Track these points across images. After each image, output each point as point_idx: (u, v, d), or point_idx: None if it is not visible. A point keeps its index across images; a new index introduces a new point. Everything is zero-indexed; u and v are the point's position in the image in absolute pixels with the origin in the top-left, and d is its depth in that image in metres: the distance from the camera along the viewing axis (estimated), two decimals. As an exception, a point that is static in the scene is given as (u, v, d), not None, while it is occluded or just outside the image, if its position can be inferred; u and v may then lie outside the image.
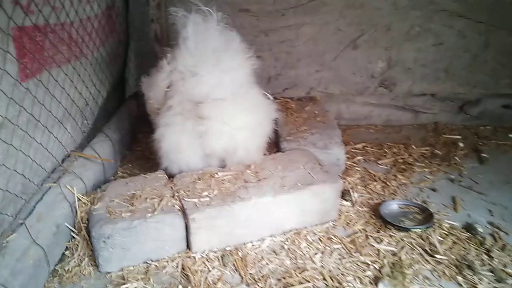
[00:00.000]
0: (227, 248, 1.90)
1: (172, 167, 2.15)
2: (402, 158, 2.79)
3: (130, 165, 2.67)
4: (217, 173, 2.11)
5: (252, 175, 2.11)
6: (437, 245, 1.90)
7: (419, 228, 2.01)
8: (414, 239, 1.97)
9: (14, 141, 1.48)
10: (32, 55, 1.53)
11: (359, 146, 2.95)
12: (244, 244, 1.93)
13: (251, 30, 2.94)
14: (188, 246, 1.87)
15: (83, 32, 1.99)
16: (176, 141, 2.07)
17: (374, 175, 2.59)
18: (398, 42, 3.00)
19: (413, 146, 2.93)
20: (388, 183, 2.50)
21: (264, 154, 2.39)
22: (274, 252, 1.89)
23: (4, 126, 1.40)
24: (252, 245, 1.93)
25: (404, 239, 1.97)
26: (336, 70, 3.08)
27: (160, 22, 2.85)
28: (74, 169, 2.02)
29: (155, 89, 2.16)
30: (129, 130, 2.77)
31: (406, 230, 2.01)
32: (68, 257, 1.81)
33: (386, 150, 2.89)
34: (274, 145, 2.69)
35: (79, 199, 1.90)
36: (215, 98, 2.05)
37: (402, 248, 1.90)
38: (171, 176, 2.14)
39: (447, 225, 2.06)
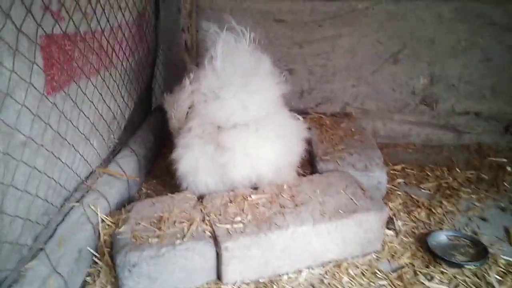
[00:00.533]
0: (261, 280, 1.72)
1: (191, 188, 2.04)
2: (446, 183, 2.58)
3: (154, 181, 2.53)
4: (250, 196, 1.95)
5: (288, 199, 1.94)
6: (496, 285, 1.69)
7: (474, 265, 1.79)
8: (468, 277, 1.76)
9: (37, 161, 1.34)
10: (61, 65, 1.40)
11: (398, 167, 2.75)
12: (280, 276, 1.75)
13: (285, 41, 2.80)
14: (219, 276, 1.70)
15: (114, 41, 1.87)
16: (194, 164, 1.97)
17: (417, 201, 2.39)
18: (442, 57, 2.81)
19: (457, 169, 2.71)
20: (434, 210, 2.29)
21: (299, 174, 2.22)
22: (312, 286, 1.71)
23: (28, 145, 1.27)
24: (288, 278, 1.76)
25: (458, 276, 1.76)
26: (374, 85, 2.89)
27: (191, 32, 2.72)
28: (98, 187, 1.89)
29: (177, 108, 2.07)
30: (154, 144, 2.64)
31: (459, 266, 1.80)
32: (90, 283, 1.66)
33: (428, 173, 2.68)
34: (309, 164, 2.52)
35: (102, 221, 1.76)
36: (238, 123, 1.94)
37: (457, 287, 1.69)
38: (200, 197, 1.98)
39: (503, 261, 1.85)
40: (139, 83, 2.40)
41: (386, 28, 2.75)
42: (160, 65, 2.79)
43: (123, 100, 2.15)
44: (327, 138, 2.61)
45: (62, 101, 1.48)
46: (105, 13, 1.71)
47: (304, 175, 2.35)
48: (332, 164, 2.32)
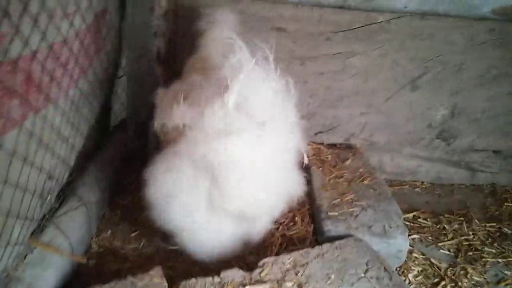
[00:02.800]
0: None
1: (166, 222, 1.55)
2: (466, 239, 2.18)
3: (109, 232, 1.94)
4: (242, 287, 1.43)
5: (294, 290, 1.43)
6: None
7: None
8: None
9: None
10: None
11: (409, 216, 2.31)
12: None
13: (284, 55, 2.25)
14: None
15: (54, 63, 1.23)
16: (176, 186, 1.52)
17: (439, 268, 1.97)
18: (468, 86, 2.36)
19: (476, 221, 2.31)
20: (460, 283, 1.87)
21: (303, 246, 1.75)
22: None
23: None
24: None
25: None
26: (386, 115, 2.41)
27: (167, 37, 2.10)
28: (26, 272, 1.30)
29: (169, 116, 1.58)
30: (112, 179, 2.05)
31: None
32: None
33: (445, 226, 2.26)
34: (309, 216, 2.02)
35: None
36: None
37: None
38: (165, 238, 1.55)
39: None
40: (93, 106, 1.77)
41: (408, 48, 2.26)
42: (123, 78, 2.16)
43: (71, 135, 1.52)
44: (331, 183, 2.12)
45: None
46: (36, 25, 1.07)
47: (315, 243, 1.85)
48: (342, 225, 1.83)
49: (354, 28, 2.22)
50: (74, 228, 1.62)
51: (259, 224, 1.74)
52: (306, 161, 1.90)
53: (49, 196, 1.38)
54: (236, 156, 1.46)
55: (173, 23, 2.12)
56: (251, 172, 1.50)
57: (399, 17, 2.21)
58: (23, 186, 1.15)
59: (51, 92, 1.22)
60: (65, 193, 1.69)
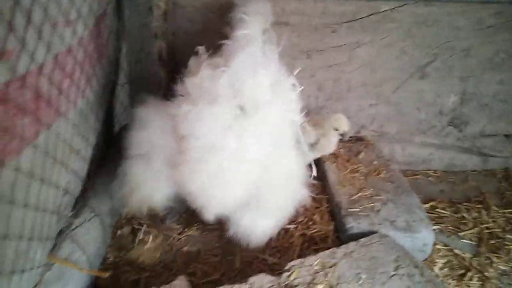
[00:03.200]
0: None
1: None
2: (487, 227, 2.13)
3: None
4: (274, 292, 1.36)
5: (327, 292, 1.37)
6: None
7: None
8: None
9: None
10: None
11: (427, 206, 2.26)
12: None
13: (289, 50, 2.18)
14: None
15: (61, 75, 1.15)
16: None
17: (463, 259, 1.92)
18: (477, 71, 2.31)
19: (494, 207, 2.26)
20: (486, 273, 1.83)
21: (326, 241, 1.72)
22: None
23: None
24: None
25: None
26: (396, 105, 2.36)
27: (167, 37, 2.03)
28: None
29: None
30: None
31: None
32: None
33: (464, 215, 2.21)
34: (329, 216, 1.96)
35: None
36: None
37: None
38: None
39: None
40: (98, 114, 1.70)
41: (414, 36, 2.20)
42: (124, 82, 2.08)
43: (79, 155, 1.44)
44: (347, 178, 2.06)
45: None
46: (40, 37, 0.97)
47: (337, 241, 1.79)
48: (365, 221, 1.77)
49: (359, 19, 2.17)
50: (89, 241, 1.55)
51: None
52: (314, 172, 1.82)
53: (65, 211, 1.30)
54: (198, 131, 1.41)
55: (172, 23, 2.04)
56: (216, 156, 1.42)
57: (403, 5, 2.16)
58: (41, 206, 1.07)
59: (60, 105, 1.15)
60: (78, 205, 1.61)
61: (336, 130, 2.02)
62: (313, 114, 2.27)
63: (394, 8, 2.15)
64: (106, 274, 1.39)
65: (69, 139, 1.25)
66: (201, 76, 1.43)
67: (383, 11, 2.14)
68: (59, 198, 1.19)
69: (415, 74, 2.30)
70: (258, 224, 1.57)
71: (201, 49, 1.58)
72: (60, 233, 1.39)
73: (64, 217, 1.31)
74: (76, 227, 1.52)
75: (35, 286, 1.22)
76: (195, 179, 1.44)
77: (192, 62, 1.58)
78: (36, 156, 1.00)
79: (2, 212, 0.86)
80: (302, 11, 2.13)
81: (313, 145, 2.00)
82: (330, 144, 2.06)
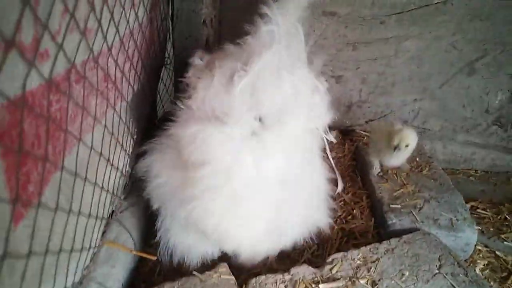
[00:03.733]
0: None
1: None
2: (530, 231, 2.07)
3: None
4: (315, 284, 1.37)
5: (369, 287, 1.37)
6: None
7: None
8: None
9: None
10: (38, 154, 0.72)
11: (467, 206, 2.20)
12: None
13: (335, 41, 2.15)
14: None
15: (124, 59, 1.17)
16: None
17: (506, 262, 1.87)
18: (529, 68, 2.23)
19: (539, 211, 2.19)
20: (531, 278, 1.78)
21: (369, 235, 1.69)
22: None
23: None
24: None
25: None
26: (441, 100, 2.30)
27: (214, 25, 2.03)
28: (97, 271, 1.28)
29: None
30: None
31: None
32: None
33: (507, 216, 2.15)
34: (369, 211, 1.95)
35: None
36: None
37: None
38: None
39: None
40: (147, 98, 1.73)
41: (466, 30, 2.13)
42: (170, 69, 2.11)
43: (132, 137, 1.47)
44: (389, 174, 2.03)
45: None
46: (113, 17, 1.00)
47: (377, 237, 1.78)
48: (407, 218, 1.75)
49: (409, 10, 2.11)
50: (135, 223, 1.59)
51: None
52: (340, 188, 1.76)
53: (119, 193, 1.34)
54: (209, 155, 1.15)
55: (219, 11, 2.05)
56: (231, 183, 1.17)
57: (457, -3, 2.09)
58: (104, 185, 1.11)
59: (123, 88, 1.17)
60: (128, 187, 1.66)
61: (406, 146, 1.84)
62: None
63: (446, 0, 2.08)
64: (154, 257, 1.42)
65: (128, 121, 1.28)
66: (212, 85, 1.18)
67: (435, 3, 2.07)
68: (117, 180, 1.23)
69: (463, 70, 2.23)
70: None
71: (197, 58, 1.36)
72: (112, 214, 1.43)
73: (117, 199, 1.35)
74: (123, 210, 1.57)
75: (87, 266, 1.27)
76: (209, 215, 1.23)
77: (193, 71, 1.33)
78: (103, 135, 1.03)
79: (68, 186, 0.89)
80: (352, 2, 2.09)
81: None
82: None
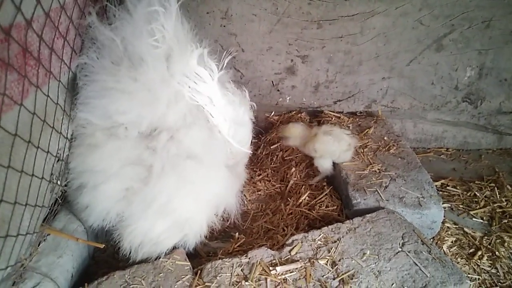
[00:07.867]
0: None
1: None
2: (499, 207, 2.07)
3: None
4: (274, 267, 1.33)
5: (329, 269, 1.34)
6: None
7: None
8: None
9: None
10: None
11: (438, 183, 2.19)
12: None
13: (299, 19, 2.09)
14: None
15: (52, 33, 1.07)
16: None
17: (473, 238, 1.87)
18: (497, 43, 2.19)
19: (508, 186, 2.19)
20: (497, 253, 1.77)
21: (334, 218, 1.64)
22: None
23: None
24: None
25: None
26: (410, 78, 2.26)
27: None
28: (41, 261, 1.21)
29: None
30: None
31: None
32: None
33: (476, 193, 2.14)
34: (334, 190, 1.91)
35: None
36: None
37: None
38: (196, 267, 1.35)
39: None
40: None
41: (432, 6, 2.08)
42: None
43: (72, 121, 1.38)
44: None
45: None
46: None
47: (338, 218, 1.75)
48: (372, 197, 1.71)
49: (374, -14, 2.05)
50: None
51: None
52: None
53: (58, 180, 1.27)
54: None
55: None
56: None
57: (422, -28, 2.03)
58: (29, 170, 1.03)
59: (53, 66, 1.09)
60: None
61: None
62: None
63: (411, -25, 2.03)
64: (102, 245, 1.36)
65: (62, 104, 1.20)
66: None
67: (400, -22, 2.02)
68: (50, 165, 1.16)
69: (431, 46, 2.19)
70: None
71: None
72: (56, 203, 1.36)
73: (57, 186, 1.27)
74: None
75: (31, 255, 1.21)
76: None
77: None
78: (24, 117, 0.95)
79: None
80: (314, -23, 2.03)
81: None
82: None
